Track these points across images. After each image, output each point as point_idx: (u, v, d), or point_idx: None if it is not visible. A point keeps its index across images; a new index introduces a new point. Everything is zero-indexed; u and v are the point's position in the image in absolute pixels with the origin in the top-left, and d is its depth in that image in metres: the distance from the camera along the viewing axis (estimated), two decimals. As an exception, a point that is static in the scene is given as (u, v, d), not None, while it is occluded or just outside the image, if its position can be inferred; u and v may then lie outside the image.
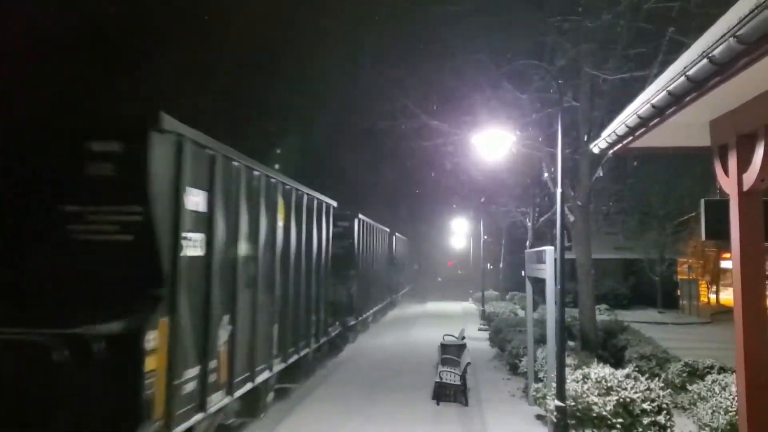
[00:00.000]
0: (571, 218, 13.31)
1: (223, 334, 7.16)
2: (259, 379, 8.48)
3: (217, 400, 6.94)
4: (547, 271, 8.74)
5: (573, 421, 7.20)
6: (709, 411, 7.42)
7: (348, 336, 16.98)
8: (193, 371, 6.31)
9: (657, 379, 7.88)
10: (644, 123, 4.26)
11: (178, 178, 6.03)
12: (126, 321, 5.24)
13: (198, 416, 6.37)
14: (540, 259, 9.26)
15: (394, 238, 30.29)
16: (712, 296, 39.44)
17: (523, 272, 13.75)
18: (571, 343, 12.02)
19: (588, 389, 7.28)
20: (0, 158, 5.84)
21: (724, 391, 7.65)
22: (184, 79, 16.39)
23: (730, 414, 7.01)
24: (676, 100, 3.69)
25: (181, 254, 6.05)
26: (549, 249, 8.84)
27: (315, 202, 12.35)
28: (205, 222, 6.74)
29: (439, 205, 37.69)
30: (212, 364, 6.76)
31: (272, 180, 9.30)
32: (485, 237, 31.06)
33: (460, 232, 39.80)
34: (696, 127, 4.62)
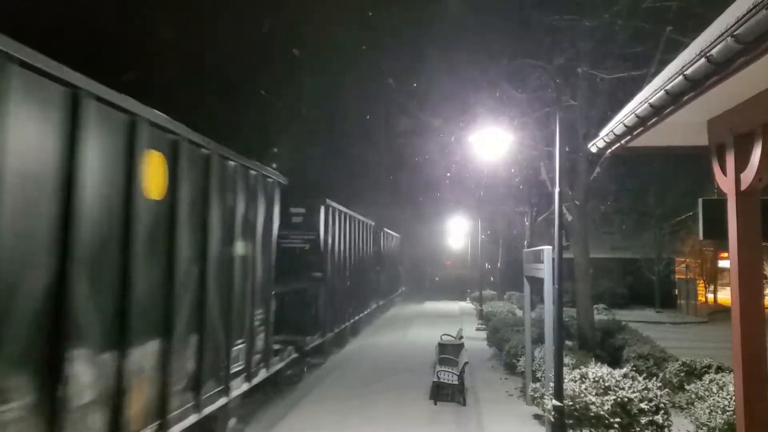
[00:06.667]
0: (569, 218, 13.32)
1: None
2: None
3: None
4: (545, 271, 8.75)
5: (571, 421, 7.20)
6: (707, 410, 7.44)
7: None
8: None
9: (654, 378, 7.86)
10: (642, 122, 4.25)
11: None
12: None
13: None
14: (538, 258, 9.27)
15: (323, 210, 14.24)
16: (710, 296, 39.52)
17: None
18: (568, 343, 12.02)
19: (586, 389, 7.29)
20: None
21: (722, 390, 7.66)
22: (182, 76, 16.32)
23: (728, 413, 7.02)
24: (673, 100, 3.69)
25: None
26: (547, 248, 8.85)
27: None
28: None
29: (436, 205, 37.60)
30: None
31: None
32: (483, 237, 31.05)
33: (458, 232, 39.76)
34: (694, 127, 4.62)
